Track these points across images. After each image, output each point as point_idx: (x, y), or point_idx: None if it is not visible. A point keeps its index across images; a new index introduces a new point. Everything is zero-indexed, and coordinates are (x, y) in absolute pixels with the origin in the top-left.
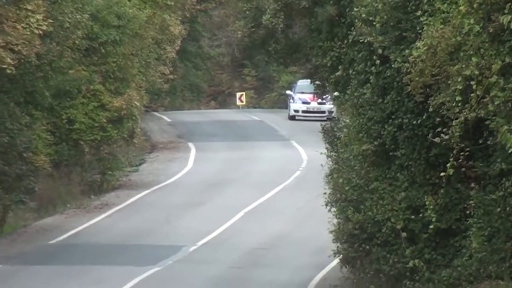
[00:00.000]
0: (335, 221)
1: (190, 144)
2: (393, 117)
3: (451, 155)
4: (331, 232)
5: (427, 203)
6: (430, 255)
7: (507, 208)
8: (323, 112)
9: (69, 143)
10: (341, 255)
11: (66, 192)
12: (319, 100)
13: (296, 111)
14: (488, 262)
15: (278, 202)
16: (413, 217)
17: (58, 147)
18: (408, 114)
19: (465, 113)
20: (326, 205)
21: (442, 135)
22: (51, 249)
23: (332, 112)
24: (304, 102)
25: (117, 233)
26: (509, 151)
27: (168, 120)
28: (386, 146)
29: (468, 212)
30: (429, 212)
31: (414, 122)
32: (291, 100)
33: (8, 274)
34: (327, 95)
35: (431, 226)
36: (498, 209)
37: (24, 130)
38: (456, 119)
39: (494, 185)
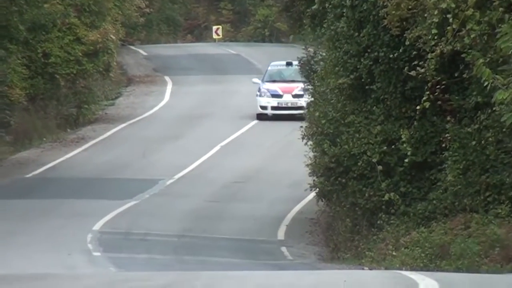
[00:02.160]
0: (311, 154)
1: (167, 78)
2: (369, 50)
3: (427, 88)
4: (307, 165)
5: (402, 136)
6: (406, 188)
7: (482, 141)
8: (300, 108)
9: (44, 77)
10: (317, 189)
11: (42, 126)
12: (295, 92)
13: (264, 107)
14: (463, 195)
15: (254, 136)
16: (388, 150)
17: (34, 80)
18: (384, 48)
19: (441, 46)
20: (303, 138)
21: (418, 68)
22: (27, 183)
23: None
24: (274, 95)
25: (94, 167)
26: (484, 85)
27: (144, 53)
28: (362, 80)
29: (443, 145)
30: (404, 145)
31: (390, 56)
32: (258, 93)
33: None
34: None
35: (407, 160)
36: (473, 142)
37: None
38: (432, 52)
39: (469, 118)
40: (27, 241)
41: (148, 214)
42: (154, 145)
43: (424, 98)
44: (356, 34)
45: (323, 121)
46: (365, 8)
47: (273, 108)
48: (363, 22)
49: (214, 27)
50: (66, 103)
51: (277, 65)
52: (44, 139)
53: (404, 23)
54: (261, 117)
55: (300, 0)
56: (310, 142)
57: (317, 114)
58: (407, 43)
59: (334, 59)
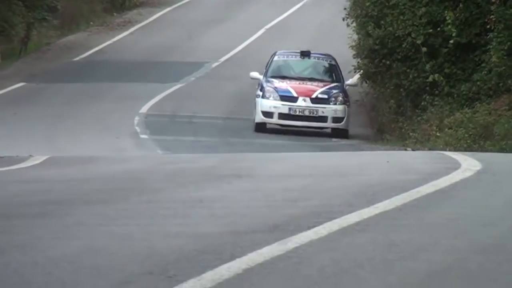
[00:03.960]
0: (355, 37)
1: None
2: None
3: None
4: (351, 47)
5: (447, 18)
6: (450, 70)
7: None
8: (323, 119)
9: None
10: (362, 71)
11: (88, 9)
12: (317, 94)
13: (268, 114)
14: (508, 76)
15: (298, 19)
16: (433, 32)
17: None
18: None
19: None
20: (346, 20)
21: None
22: (75, 66)
23: (343, 118)
24: (285, 97)
25: (140, 51)
26: None
27: None
28: None
29: (488, 26)
30: (449, 26)
31: None
32: (259, 93)
33: (33, 91)
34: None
35: (451, 41)
36: None
37: None
38: None
39: None
40: (75, 125)
41: (194, 97)
42: (200, 29)
43: None
44: None
45: (367, 3)
46: None
47: (282, 116)
48: None
49: None
50: None
51: (287, 54)
52: (91, 23)
53: None
54: (262, 128)
55: None
56: (353, 24)
57: None
58: None
59: None
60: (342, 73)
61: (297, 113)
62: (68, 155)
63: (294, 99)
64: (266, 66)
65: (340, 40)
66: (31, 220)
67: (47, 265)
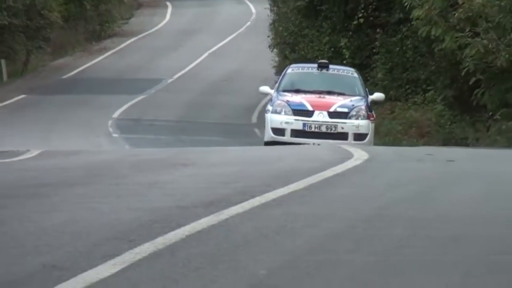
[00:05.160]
0: (276, 59)
1: (168, 3)
2: None
3: (361, 8)
4: (273, 67)
5: (343, 44)
6: None
7: (404, 47)
8: (342, 134)
9: (75, 2)
10: None
11: (73, 39)
12: (335, 107)
13: (278, 131)
14: (390, 88)
15: (233, 46)
16: (334, 55)
17: (68, 5)
18: None
19: None
20: (269, 47)
21: None
22: (63, 83)
23: (366, 135)
24: (298, 111)
25: (113, 70)
26: (405, 4)
27: None
28: (314, 2)
29: (374, 50)
30: (344, 50)
31: None
32: (269, 108)
33: (32, 101)
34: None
35: (345, 61)
36: (397, 48)
37: None
38: None
39: (394, 30)
40: (65, 127)
41: (154, 105)
42: (159, 53)
43: (360, 15)
44: None
45: (285, 34)
46: None
47: (295, 133)
48: None
49: None
50: (91, 22)
51: (302, 66)
52: (76, 49)
53: None
54: (271, 144)
55: None
56: (275, 50)
57: (280, 28)
58: None
59: None
60: (267, 83)
61: (313, 129)
62: (58, 149)
63: (309, 114)
64: (279, 80)
65: (265, 62)
66: (26, 199)
67: (38, 233)
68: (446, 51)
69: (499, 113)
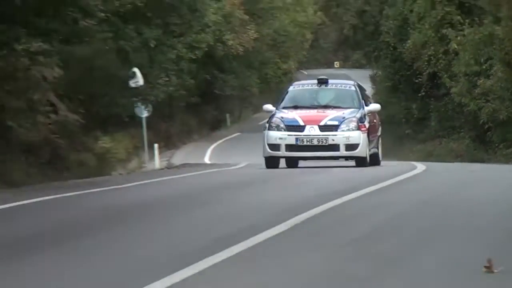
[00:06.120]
0: None
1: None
2: None
3: (424, 86)
4: None
5: (414, 109)
6: None
7: (447, 109)
8: (333, 146)
9: (266, 84)
10: None
11: (265, 102)
12: (325, 121)
13: (274, 147)
14: (439, 130)
15: None
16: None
17: (261, 84)
18: None
19: None
20: None
21: None
22: (260, 126)
23: (357, 145)
24: (291, 127)
25: None
26: (447, 84)
27: (306, 73)
28: (397, 84)
29: (430, 111)
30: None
31: None
32: (266, 125)
33: (245, 136)
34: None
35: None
36: (443, 109)
37: None
38: None
39: (441, 99)
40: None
41: None
42: None
43: (422, 92)
44: None
45: None
46: None
47: (289, 147)
48: None
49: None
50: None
51: (303, 83)
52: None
53: None
54: (272, 163)
55: None
56: None
57: None
58: None
59: None
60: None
61: (305, 143)
62: (257, 163)
63: (301, 128)
64: (281, 98)
65: None
66: (235, 189)
67: (240, 208)
68: (470, 111)
69: (502, 144)
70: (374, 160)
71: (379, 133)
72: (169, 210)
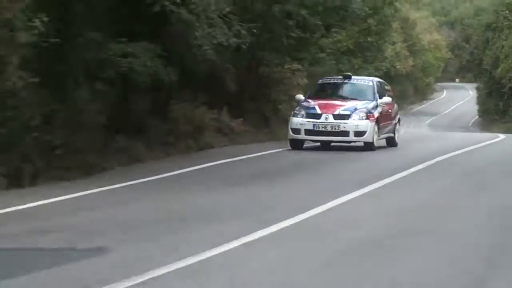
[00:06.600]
0: None
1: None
2: None
3: None
4: None
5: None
6: None
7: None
8: (344, 132)
9: None
10: None
11: None
12: (339, 111)
13: (296, 131)
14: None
15: None
16: None
17: None
18: None
19: None
20: None
21: None
22: None
23: (364, 132)
24: (310, 115)
25: None
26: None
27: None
28: None
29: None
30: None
31: None
32: (292, 111)
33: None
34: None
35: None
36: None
37: None
38: None
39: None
40: None
41: None
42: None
43: None
44: None
45: None
46: None
47: (307, 132)
48: None
49: (456, 79)
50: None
51: (330, 78)
52: None
53: None
54: (295, 145)
55: None
56: None
57: None
58: None
59: None
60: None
61: (320, 129)
62: None
63: (318, 116)
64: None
65: None
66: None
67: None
68: None
69: None
70: (391, 143)
71: (395, 121)
72: (327, 164)
